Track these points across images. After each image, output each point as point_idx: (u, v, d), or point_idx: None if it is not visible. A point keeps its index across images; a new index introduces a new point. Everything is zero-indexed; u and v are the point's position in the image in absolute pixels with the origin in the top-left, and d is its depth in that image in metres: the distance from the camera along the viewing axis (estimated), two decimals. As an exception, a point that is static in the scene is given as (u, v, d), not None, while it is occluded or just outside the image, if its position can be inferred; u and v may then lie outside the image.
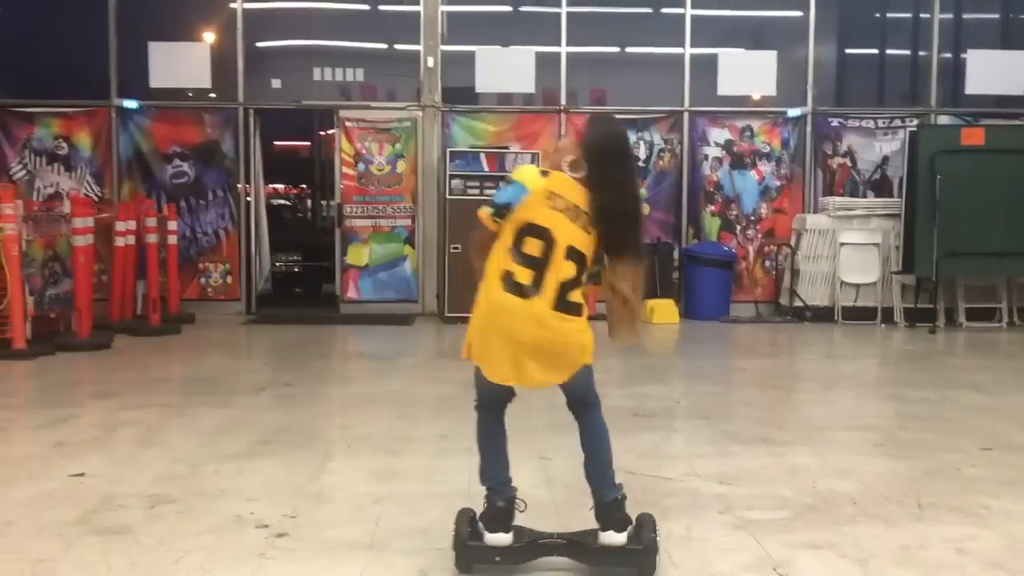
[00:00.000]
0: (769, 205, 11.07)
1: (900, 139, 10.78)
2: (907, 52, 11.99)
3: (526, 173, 3.04)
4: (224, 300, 10.75)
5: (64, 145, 10.65)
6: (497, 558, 3.03)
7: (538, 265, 2.94)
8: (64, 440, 4.82)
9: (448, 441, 4.81)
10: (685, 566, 3.11)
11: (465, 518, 3.08)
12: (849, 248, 10.32)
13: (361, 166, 10.74)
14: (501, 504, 3.06)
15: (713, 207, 11.07)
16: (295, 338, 9.08)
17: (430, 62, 10.74)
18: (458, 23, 11.08)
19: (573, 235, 2.96)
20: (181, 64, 10.79)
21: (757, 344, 9.02)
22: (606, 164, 3.02)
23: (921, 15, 11.47)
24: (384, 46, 11.74)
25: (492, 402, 3.12)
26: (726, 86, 11.04)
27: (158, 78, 10.71)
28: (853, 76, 12.20)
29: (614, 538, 3.03)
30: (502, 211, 2.97)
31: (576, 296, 3.02)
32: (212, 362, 7.86)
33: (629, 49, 11.66)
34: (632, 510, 3.66)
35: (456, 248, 9.99)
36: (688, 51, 10.92)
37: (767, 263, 11.03)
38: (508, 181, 3.02)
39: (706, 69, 10.97)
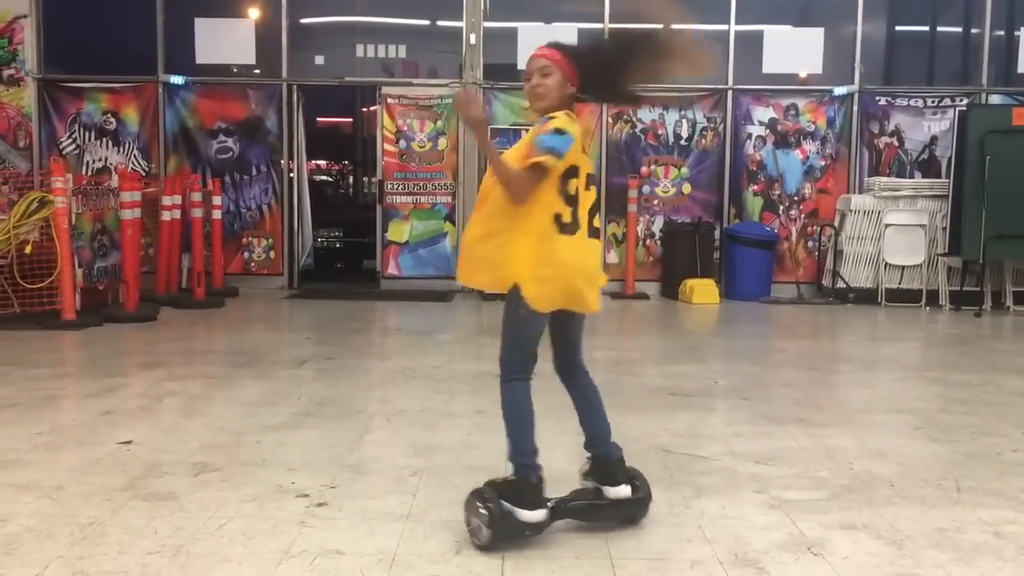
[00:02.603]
0: (813, 185, 10.93)
1: (949, 119, 10.57)
2: (958, 29, 11.71)
3: (567, 123, 3.12)
4: (267, 275, 10.91)
5: (112, 120, 10.84)
6: (527, 532, 3.09)
7: (574, 202, 3.12)
8: (112, 409, 4.95)
9: (485, 416, 4.85)
10: (719, 543, 3.12)
11: (488, 499, 3.07)
12: (894, 229, 10.17)
13: (403, 143, 10.79)
14: (535, 481, 3.11)
15: (756, 187, 10.96)
16: (336, 313, 9.18)
17: (472, 39, 10.73)
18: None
19: (588, 163, 3.23)
20: (226, 40, 10.90)
21: (798, 325, 8.94)
22: (593, 74, 3.29)
23: (974, -9, 11.22)
24: (427, 22, 11.74)
25: (531, 354, 3.23)
26: (771, 64, 10.89)
27: (204, 54, 10.84)
28: (902, 54, 11.96)
29: (624, 491, 3.25)
30: (559, 158, 3.05)
31: (596, 221, 3.24)
32: (255, 335, 7.98)
33: (674, 25, 11.54)
34: (667, 488, 3.70)
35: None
36: (733, 28, 10.78)
37: (810, 244, 10.91)
38: (559, 131, 3.07)
39: (751, 46, 10.83)
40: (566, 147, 3.06)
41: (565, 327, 3.33)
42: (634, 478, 3.32)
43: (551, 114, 3.17)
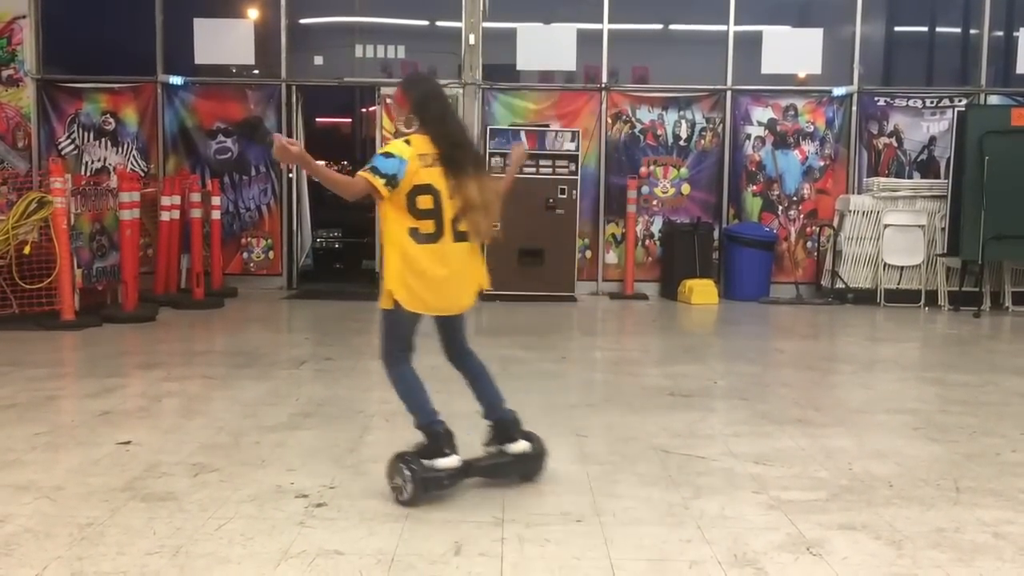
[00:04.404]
0: (812, 185, 10.94)
1: (948, 119, 10.57)
2: (957, 30, 11.71)
3: (398, 147, 3.53)
4: (266, 275, 10.91)
5: (111, 120, 10.84)
6: (446, 481, 3.50)
7: (432, 215, 3.52)
8: (111, 409, 4.95)
9: (484, 417, 4.85)
10: (719, 544, 3.12)
11: (408, 459, 3.48)
12: (893, 230, 10.18)
13: (401, 143, 10.77)
14: (443, 429, 3.55)
15: (755, 187, 10.96)
16: (335, 313, 9.18)
17: (471, 39, 10.74)
18: (499, 0, 11.05)
19: (440, 178, 3.54)
20: (225, 41, 10.91)
21: (797, 326, 8.95)
22: (429, 110, 3.61)
23: (972, -8, 11.23)
24: (426, 23, 11.73)
25: (409, 344, 3.65)
26: (770, 64, 10.90)
27: (203, 55, 10.84)
28: (901, 54, 11.97)
29: (523, 445, 3.74)
30: (392, 182, 3.44)
31: (462, 225, 3.59)
32: (254, 335, 7.98)
33: (672, 26, 11.54)
34: (667, 488, 3.70)
35: (495, 226, 10.00)
36: (732, 28, 10.80)
37: (809, 244, 10.92)
38: (388, 155, 3.49)
39: (750, 47, 10.84)
40: (393, 168, 3.44)
41: (446, 324, 3.76)
42: (530, 437, 3.76)
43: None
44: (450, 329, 3.77)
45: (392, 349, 3.65)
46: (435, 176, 3.52)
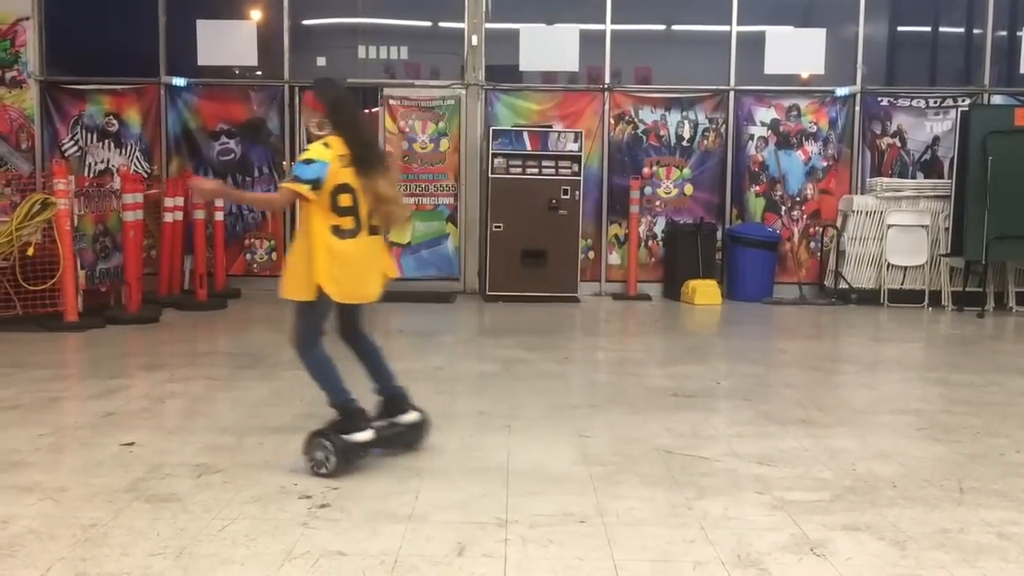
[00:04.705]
0: (815, 186, 10.93)
1: (951, 119, 10.57)
2: (960, 30, 11.69)
3: (318, 151, 3.80)
4: (269, 276, 10.89)
5: (114, 122, 10.85)
6: (362, 452, 3.86)
7: (351, 211, 3.82)
8: (114, 410, 4.95)
9: (487, 417, 4.86)
10: (722, 545, 3.12)
11: (327, 435, 3.79)
12: (897, 230, 10.17)
13: (405, 144, 10.80)
14: (357, 405, 3.88)
15: (758, 187, 10.96)
16: (338, 314, 9.17)
17: (474, 40, 10.74)
18: (502, 0, 11.05)
19: (354, 177, 3.83)
20: (228, 42, 10.91)
21: (800, 326, 8.94)
22: (340, 113, 3.89)
23: (976, -8, 11.21)
24: (428, 24, 11.74)
25: (323, 330, 3.93)
26: (773, 65, 10.88)
27: (206, 56, 10.85)
28: (904, 54, 11.94)
29: (414, 415, 4.17)
30: (317, 185, 3.74)
31: (374, 220, 3.93)
32: (257, 336, 7.98)
33: (675, 27, 11.54)
34: (670, 489, 3.70)
35: (498, 227, 10.03)
36: (735, 29, 10.79)
37: (812, 244, 10.91)
38: (308, 160, 3.76)
39: (753, 47, 10.83)
40: (315, 172, 3.74)
41: (353, 309, 4.05)
42: (417, 408, 4.19)
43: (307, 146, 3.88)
44: (355, 313, 4.07)
45: (309, 336, 3.90)
46: (351, 175, 3.81)
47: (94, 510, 3.37)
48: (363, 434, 3.85)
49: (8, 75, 10.71)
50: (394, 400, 4.15)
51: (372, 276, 3.97)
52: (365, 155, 3.87)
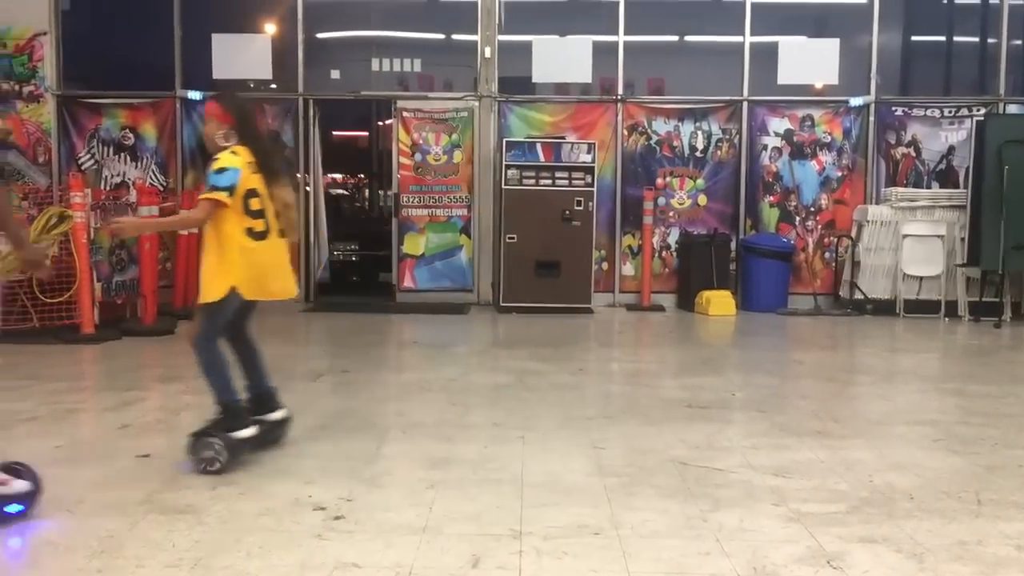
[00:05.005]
0: (830, 196, 10.90)
1: (967, 129, 10.53)
2: (975, 39, 11.66)
3: (228, 159, 4.03)
4: (283, 288, 10.92)
5: (130, 135, 10.93)
6: (247, 448, 4.05)
7: (263, 215, 4.10)
8: (130, 422, 4.98)
9: (501, 429, 4.85)
10: (737, 557, 3.10)
11: (212, 433, 3.99)
12: (912, 240, 10.12)
13: (418, 156, 10.84)
14: (243, 404, 4.15)
15: (772, 198, 10.93)
16: (352, 326, 9.21)
17: (487, 52, 10.78)
18: (515, 12, 11.09)
19: (261, 183, 4.12)
20: (243, 56, 10.98)
21: (815, 337, 8.90)
22: (245, 124, 4.18)
23: (990, 1, 11.17)
24: (441, 36, 11.79)
25: (225, 328, 4.20)
26: (787, 75, 10.87)
27: (221, 69, 10.92)
28: (918, 64, 11.92)
29: (282, 412, 4.44)
30: (232, 191, 3.98)
31: (280, 223, 4.21)
32: (271, 349, 7.91)
33: (687, 37, 11.55)
34: (685, 501, 3.68)
35: (512, 238, 10.04)
36: (748, 39, 10.79)
37: (827, 255, 10.87)
38: (222, 169, 3.99)
39: (766, 58, 10.83)
40: (230, 179, 3.98)
41: (248, 309, 4.32)
42: (284, 406, 4.45)
43: (216, 155, 4.08)
44: (249, 313, 4.36)
45: (213, 333, 4.14)
46: (258, 181, 4.10)
47: (110, 521, 3.38)
48: (248, 431, 4.08)
49: (26, 90, 10.81)
50: (267, 398, 4.41)
51: (280, 275, 4.25)
52: (269, 163, 4.19)
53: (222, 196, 3.96)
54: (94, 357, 7.22)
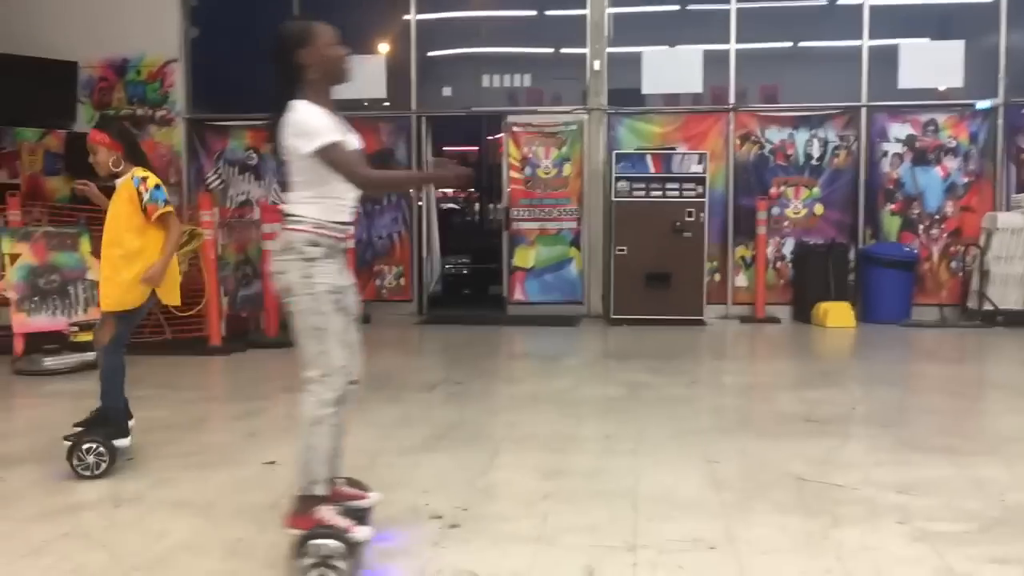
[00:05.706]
0: (955, 203, 10.46)
1: (1105, 129, 9.95)
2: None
3: (153, 178, 4.42)
4: (398, 301, 11.19)
5: (254, 156, 11.40)
6: (123, 457, 4.34)
7: None
8: (257, 430, 5.19)
9: (613, 441, 4.85)
10: (859, 575, 3.02)
11: (94, 441, 4.20)
12: (1046, 248, 9.61)
13: (528, 170, 10.93)
14: (121, 409, 4.38)
15: (893, 206, 10.56)
16: (464, 338, 9.34)
17: (596, 65, 10.79)
18: (624, 24, 11.08)
19: None
20: (359, 75, 11.24)
21: (941, 349, 8.54)
22: (135, 149, 4.50)
23: None
24: (551, 50, 11.88)
25: (129, 336, 4.47)
26: (908, 79, 10.49)
27: (337, 90, 11.24)
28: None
29: (124, 442, 4.43)
30: (169, 203, 4.45)
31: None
32: (387, 360, 8.19)
33: (802, 43, 11.31)
34: (804, 517, 3.60)
35: (622, 250, 10.01)
36: (866, 43, 10.48)
37: (953, 264, 10.43)
38: (158, 186, 4.39)
39: (886, 62, 10.49)
40: (165, 194, 4.44)
41: (138, 318, 4.57)
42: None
43: (140, 175, 4.38)
44: (137, 324, 4.62)
45: (121, 340, 4.38)
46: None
47: (241, 526, 3.54)
48: (126, 440, 4.39)
49: (158, 114, 11.41)
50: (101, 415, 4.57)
51: (176, 284, 4.63)
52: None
53: (172, 209, 4.45)
54: (222, 368, 7.56)
